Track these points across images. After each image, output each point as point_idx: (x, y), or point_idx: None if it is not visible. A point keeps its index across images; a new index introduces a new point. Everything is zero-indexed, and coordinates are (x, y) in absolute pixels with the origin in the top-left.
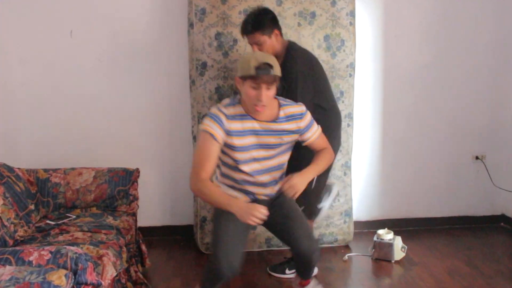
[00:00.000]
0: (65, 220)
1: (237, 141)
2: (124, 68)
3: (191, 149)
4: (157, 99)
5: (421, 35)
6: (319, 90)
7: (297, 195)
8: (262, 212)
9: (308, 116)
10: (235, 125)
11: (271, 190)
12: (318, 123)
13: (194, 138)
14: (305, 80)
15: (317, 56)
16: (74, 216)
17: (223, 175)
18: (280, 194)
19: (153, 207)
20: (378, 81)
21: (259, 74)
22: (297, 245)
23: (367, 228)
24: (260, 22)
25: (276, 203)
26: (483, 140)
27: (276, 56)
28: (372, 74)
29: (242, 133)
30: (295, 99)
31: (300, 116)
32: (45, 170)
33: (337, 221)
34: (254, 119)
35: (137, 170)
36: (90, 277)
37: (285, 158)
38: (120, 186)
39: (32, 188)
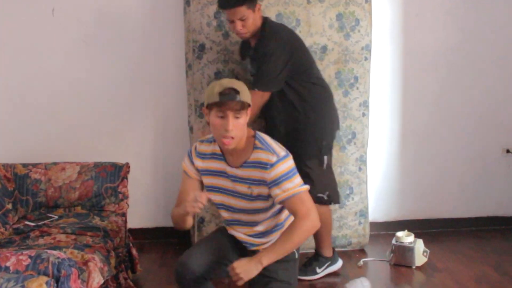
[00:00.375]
0: (46, 221)
1: (205, 180)
2: (111, 51)
3: (187, 142)
4: (149, 86)
5: (446, 14)
6: (302, 66)
7: (240, 283)
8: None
9: (280, 168)
10: (203, 164)
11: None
12: (305, 100)
13: (191, 129)
14: (278, 58)
15: (328, 37)
16: (56, 217)
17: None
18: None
19: (145, 207)
20: (397, 66)
21: (224, 100)
22: None
23: (384, 230)
24: None
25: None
26: None
27: (256, 33)
28: (390, 58)
29: (210, 173)
30: (264, 77)
31: (265, 166)
32: (24, 165)
33: (351, 222)
34: (226, 161)
35: (127, 165)
36: (74, 284)
37: (262, 216)
38: (107, 182)
39: (9, 185)
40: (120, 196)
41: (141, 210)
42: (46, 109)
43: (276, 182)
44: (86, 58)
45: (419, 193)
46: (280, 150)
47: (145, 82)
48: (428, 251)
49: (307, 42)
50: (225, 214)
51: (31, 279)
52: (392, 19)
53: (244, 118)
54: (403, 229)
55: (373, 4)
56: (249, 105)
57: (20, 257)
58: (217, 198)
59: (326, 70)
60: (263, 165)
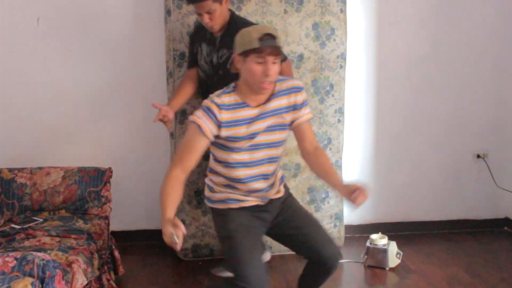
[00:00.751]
0: (31, 224)
1: (227, 132)
2: (95, 58)
3: (168, 147)
4: (131, 93)
5: (418, 23)
6: None
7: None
8: (173, 238)
9: (305, 93)
10: (229, 115)
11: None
12: None
13: (171, 135)
14: None
15: (305, 45)
16: (41, 220)
17: (215, 172)
18: (284, 204)
19: (127, 210)
20: (371, 74)
21: (264, 45)
22: (319, 253)
23: (359, 232)
24: None
25: (282, 217)
26: (485, 137)
27: (223, 27)
28: (364, 66)
29: (236, 123)
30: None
31: (297, 89)
32: (10, 170)
33: (327, 225)
34: (250, 106)
35: (110, 170)
36: (59, 285)
37: (281, 151)
38: (91, 187)
39: None
40: (103, 199)
41: (124, 213)
42: (31, 115)
43: (305, 103)
44: (69, 65)
45: (392, 196)
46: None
47: (127, 88)
48: (402, 253)
49: (285, 50)
50: (242, 173)
51: (16, 280)
52: (367, 28)
53: (279, 64)
54: (377, 232)
55: (348, 13)
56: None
57: (6, 258)
58: (237, 148)
59: (303, 78)
60: (296, 89)
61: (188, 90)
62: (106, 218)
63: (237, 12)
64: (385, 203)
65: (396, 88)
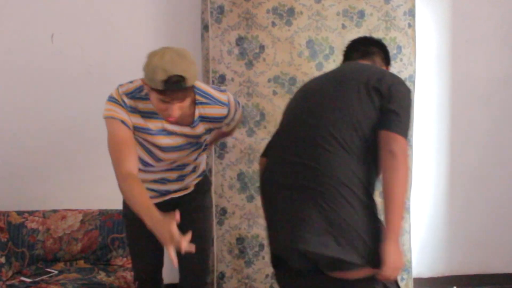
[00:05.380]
0: (44, 277)
1: (137, 138)
2: (119, 82)
3: None
4: None
5: (500, 40)
6: None
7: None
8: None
9: (232, 111)
10: (139, 121)
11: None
12: None
13: (209, 170)
14: None
15: None
16: (56, 272)
17: None
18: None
19: None
20: (445, 99)
21: (168, 90)
22: (181, 280)
23: (430, 286)
24: None
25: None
26: None
27: None
28: (436, 90)
29: (146, 131)
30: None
31: (220, 119)
32: (19, 213)
33: None
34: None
35: None
36: None
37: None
38: (114, 233)
39: (2, 235)
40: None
41: None
42: (45, 148)
43: (230, 119)
44: (91, 90)
45: (470, 244)
46: (222, 95)
47: None
48: None
49: None
50: (150, 176)
51: None
52: (439, 46)
53: (190, 98)
54: (451, 286)
55: (417, 29)
56: (193, 88)
57: None
58: (146, 158)
59: None
60: (219, 119)
61: None
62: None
63: (287, 27)
64: (461, 252)
65: (473, 115)
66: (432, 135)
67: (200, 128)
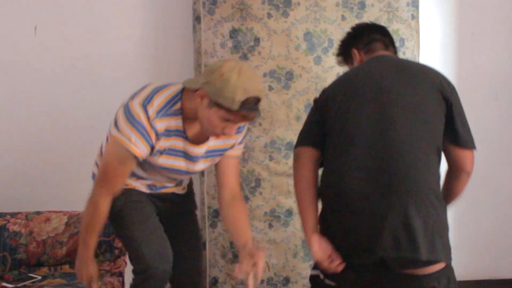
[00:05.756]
0: (27, 282)
1: (156, 159)
2: (106, 76)
3: (197, 182)
4: None
5: (508, 33)
6: None
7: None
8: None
9: (246, 129)
10: (166, 143)
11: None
12: None
13: (202, 173)
14: None
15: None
16: (39, 277)
17: None
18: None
19: None
20: None
21: (244, 112)
22: (179, 281)
23: None
24: None
25: (170, 213)
26: None
27: None
28: None
29: (169, 152)
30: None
31: (239, 131)
32: (0, 215)
33: None
34: (187, 138)
35: None
36: None
37: None
38: (101, 236)
39: None
40: (117, 252)
41: None
42: (26, 148)
43: (241, 141)
44: (76, 85)
45: (477, 248)
46: None
47: None
48: None
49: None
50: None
51: None
52: (444, 39)
53: None
54: None
55: (421, 21)
56: None
57: None
58: (157, 177)
59: None
60: (238, 130)
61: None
62: (120, 274)
63: (283, 18)
64: (467, 256)
65: (480, 112)
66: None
67: (215, 143)
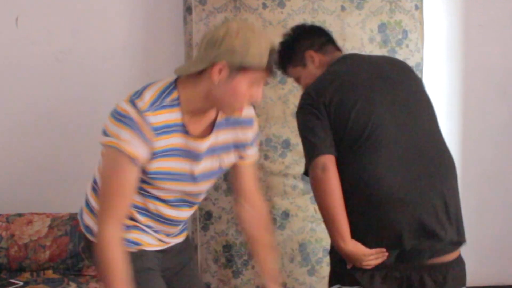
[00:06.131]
0: None
1: (158, 164)
2: (91, 70)
3: None
4: None
5: None
6: None
7: None
8: None
9: (256, 125)
10: (166, 142)
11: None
12: None
13: None
14: None
15: (369, 53)
16: (21, 283)
17: None
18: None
19: None
20: (455, 89)
21: (270, 65)
22: None
23: None
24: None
25: (174, 269)
26: None
27: None
28: (446, 80)
29: (171, 153)
30: None
31: (249, 121)
32: None
33: None
34: (187, 133)
35: None
36: None
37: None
38: None
39: None
40: None
41: None
42: (7, 145)
43: (254, 140)
44: (59, 80)
45: (483, 251)
46: None
47: None
48: None
49: None
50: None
51: None
52: (449, 30)
53: None
54: None
55: (425, 11)
56: None
57: None
58: (166, 186)
59: None
60: (247, 122)
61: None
62: None
63: (279, 9)
64: (473, 261)
65: (487, 108)
66: (442, 128)
67: (227, 135)
